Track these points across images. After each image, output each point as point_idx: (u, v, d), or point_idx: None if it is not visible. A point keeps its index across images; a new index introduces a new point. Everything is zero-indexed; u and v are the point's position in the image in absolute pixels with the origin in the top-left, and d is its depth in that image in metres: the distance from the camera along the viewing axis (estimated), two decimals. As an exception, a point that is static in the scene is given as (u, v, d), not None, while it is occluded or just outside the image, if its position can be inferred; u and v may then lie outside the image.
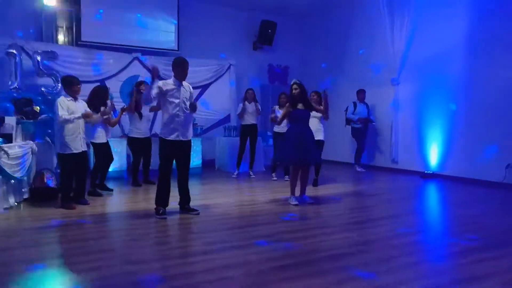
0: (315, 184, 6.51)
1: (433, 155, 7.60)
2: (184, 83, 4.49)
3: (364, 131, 8.51)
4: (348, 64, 9.55)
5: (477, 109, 6.77)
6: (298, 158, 5.02)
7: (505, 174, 6.26)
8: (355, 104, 8.49)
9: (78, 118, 4.80)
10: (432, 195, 6.27)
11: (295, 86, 5.22)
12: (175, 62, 4.47)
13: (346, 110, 8.60)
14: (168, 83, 4.42)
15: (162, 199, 4.48)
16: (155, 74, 4.39)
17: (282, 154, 5.35)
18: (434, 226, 4.46)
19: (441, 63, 7.38)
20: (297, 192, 5.28)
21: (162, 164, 4.47)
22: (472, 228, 4.05)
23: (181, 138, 4.42)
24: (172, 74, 4.50)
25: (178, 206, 4.67)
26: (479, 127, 6.72)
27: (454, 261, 3.19)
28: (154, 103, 5.37)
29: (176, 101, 4.37)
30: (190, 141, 4.57)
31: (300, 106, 5.18)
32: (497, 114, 6.48)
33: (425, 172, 7.57)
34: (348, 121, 8.54)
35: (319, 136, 6.16)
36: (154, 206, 4.50)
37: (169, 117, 4.38)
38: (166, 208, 4.51)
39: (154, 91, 4.33)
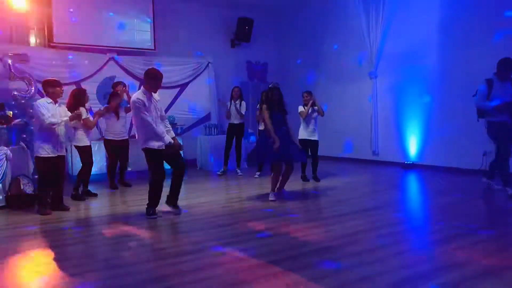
0: (316, 179, 6.53)
1: (412, 146, 7.74)
2: (153, 94, 4.42)
3: (510, 125, 4.99)
4: (325, 59, 9.60)
5: (453, 98, 6.90)
6: (283, 156, 5.08)
7: (482, 162, 6.41)
8: (489, 83, 5.00)
9: (66, 121, 4.71)
10: (413, 185, 6.39)
11: (276, 92, 5.26)
12: (149, 74, 4.36)
13: (475, 94, 5.21)
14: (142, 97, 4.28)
15: (154, 200, 4.41)
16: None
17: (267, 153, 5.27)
18: (416, 215, 4.53)
19: (416, 55, 7.49)
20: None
21: (156, 173, 4.36)
22: (452, 216, 4.14)
23: (167, 144, 4.37)
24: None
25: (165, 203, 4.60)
26: (455, 116, 6.86)
27: (437, 249, 3.24)
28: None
29: (153, 113, 4.30)
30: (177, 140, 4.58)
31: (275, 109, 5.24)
32: (472, 103, 6.61)
33: (405, 162, 7.70)
34: (481, 113, 5.19)
35: (314, 136, 6.51)
36: (135, 208, 4.42)
37: (148, 128, 4.26)
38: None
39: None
